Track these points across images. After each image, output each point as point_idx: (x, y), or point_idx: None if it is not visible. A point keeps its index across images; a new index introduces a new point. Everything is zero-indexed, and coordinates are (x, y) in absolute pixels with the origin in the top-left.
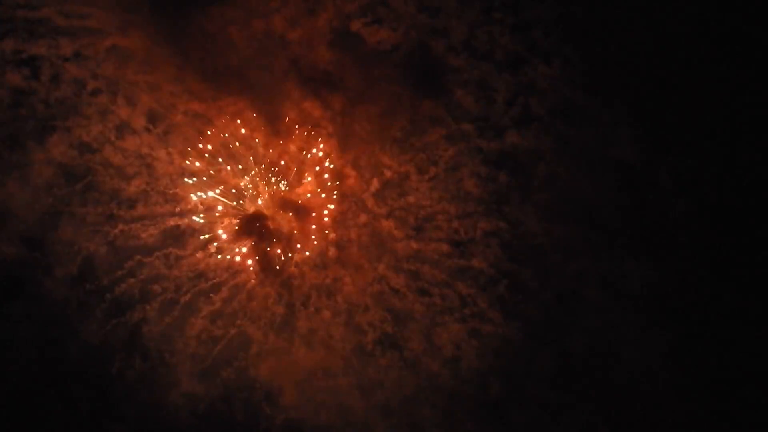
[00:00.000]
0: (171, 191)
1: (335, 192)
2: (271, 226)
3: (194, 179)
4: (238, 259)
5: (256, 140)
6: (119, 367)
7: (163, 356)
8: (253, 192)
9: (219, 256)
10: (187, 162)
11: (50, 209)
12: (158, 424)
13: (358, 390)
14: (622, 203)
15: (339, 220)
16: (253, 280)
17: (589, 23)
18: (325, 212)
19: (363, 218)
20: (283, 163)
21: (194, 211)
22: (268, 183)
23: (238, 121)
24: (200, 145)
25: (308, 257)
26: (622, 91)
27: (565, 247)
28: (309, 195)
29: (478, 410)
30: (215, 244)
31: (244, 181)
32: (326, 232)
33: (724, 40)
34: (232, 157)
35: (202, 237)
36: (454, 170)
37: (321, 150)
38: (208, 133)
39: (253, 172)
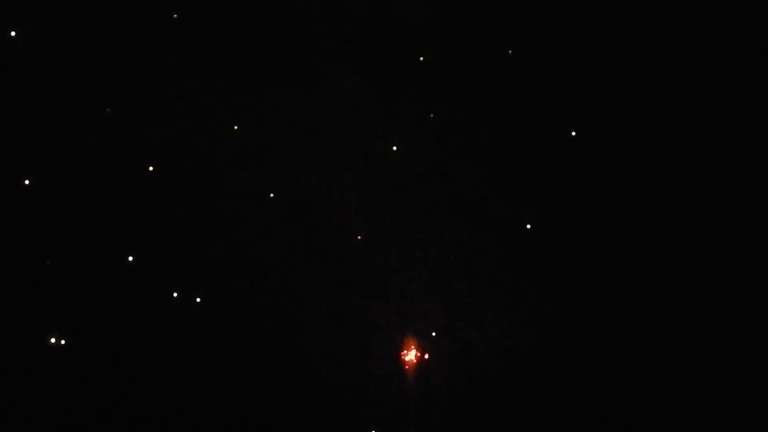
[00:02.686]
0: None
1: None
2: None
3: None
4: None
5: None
6: (164, 355)
7: (210, 344)
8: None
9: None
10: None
11: (95, 197)
12: (200, 412)
13: (412, 380)
14: (688, 191)
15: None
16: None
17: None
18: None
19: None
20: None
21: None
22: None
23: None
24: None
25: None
26: (683, 74)
27: (622, 234)
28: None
29: (535, 402)
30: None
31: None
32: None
33: None
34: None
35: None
36: (503, 157)
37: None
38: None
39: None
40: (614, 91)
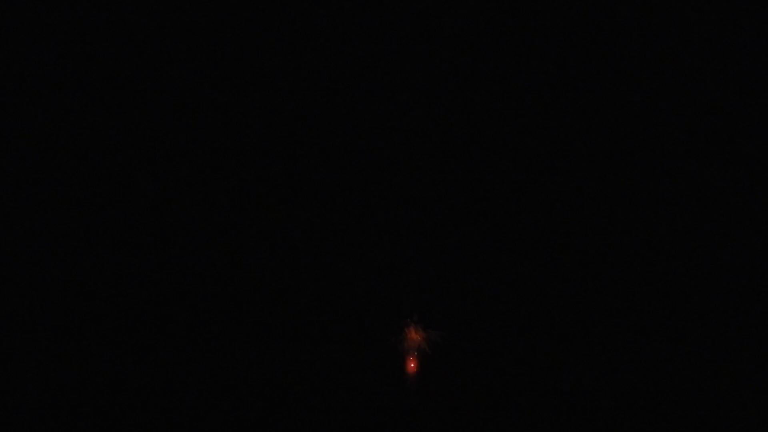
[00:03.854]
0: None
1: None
2: None
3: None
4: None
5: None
6: (163, 354)
7: (209, 344)
8: None
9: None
10: None
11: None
12: (200, 412)
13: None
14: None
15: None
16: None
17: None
18: None
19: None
20: None
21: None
22: None
23: None
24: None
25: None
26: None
27: (621, 235)
28: None
29: (535, 402)
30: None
31: None
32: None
33: None
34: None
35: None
36: (504, 158)
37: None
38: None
39: None
40: (615, 92)
